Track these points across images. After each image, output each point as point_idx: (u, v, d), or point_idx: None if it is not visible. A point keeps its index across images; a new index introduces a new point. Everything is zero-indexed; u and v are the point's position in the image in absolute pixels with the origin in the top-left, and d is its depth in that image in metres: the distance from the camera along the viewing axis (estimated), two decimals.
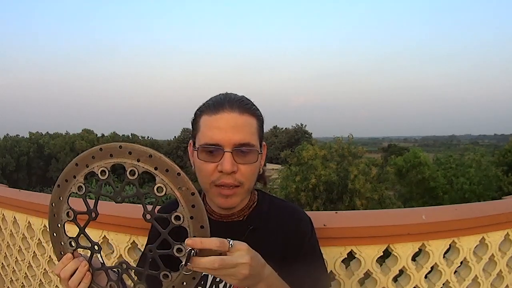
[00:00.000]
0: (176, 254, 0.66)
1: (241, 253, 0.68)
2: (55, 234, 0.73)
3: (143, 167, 0.65)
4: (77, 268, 0.72)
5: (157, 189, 0.65)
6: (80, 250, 0.75)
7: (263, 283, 0.76)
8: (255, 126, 0.86)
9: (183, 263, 0.65)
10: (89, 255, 0.74)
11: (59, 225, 0.72)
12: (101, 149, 0.67)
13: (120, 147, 0.66)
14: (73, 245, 0.73)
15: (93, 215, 0.70)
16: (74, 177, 0.69)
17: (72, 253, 0.73)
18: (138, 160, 0.65)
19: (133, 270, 0.72)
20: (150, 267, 0.69)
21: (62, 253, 0.74)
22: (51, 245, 1.84)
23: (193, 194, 0.65)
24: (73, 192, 0.71)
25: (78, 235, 0.73)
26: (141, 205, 0.68)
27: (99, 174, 0.67)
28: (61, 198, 0.71)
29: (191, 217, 0.66)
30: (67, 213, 0.71)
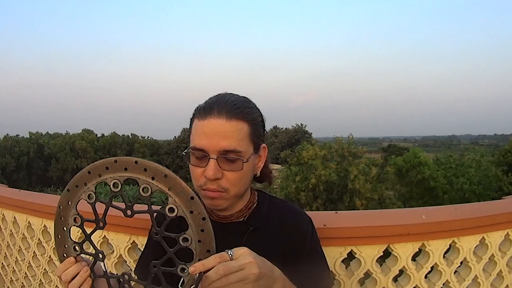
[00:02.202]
0: (180, 274, 0.66)
1: (243, 256, 0.69)
2: (59, 236, 0.74)
3: (156, 186, 0.65)
4: (78, 273, 0.72)
5: (168, 209, 0.65)
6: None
7: (278, 284, 0.76)
8: (245, 131, 0.83)
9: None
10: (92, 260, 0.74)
11: (64, 229, 0.73)
12: (116, 161, 0.67)
13: (136, 162, 0.66)
14: (77, 249, 0.73)
15: (101, 224, 0.70)
16: (85, 184, 0.69)
17: (75, 257, 0.73)
18: (153, 178, 0.65)
19: (135, 282, 0.72)
20: (152, 281, 0.69)
21: (65, 255, 0.74)
22: (51, 245, 1.84)
23: (204, 219, 0.66)
24: (83, 199, 0.71)
25: (83, 241, 0.73)
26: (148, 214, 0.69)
27: (111, 186, 0.67)
28: (69, 203, 0.71)
29: (199, 241, 0.66)
30: (74, 218, 0.71)
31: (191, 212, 0.65)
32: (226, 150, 0.80)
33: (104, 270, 0.75)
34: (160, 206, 0.67)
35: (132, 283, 0.72)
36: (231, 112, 0.82)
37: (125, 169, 0.66)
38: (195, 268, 0.65)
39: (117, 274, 0.74)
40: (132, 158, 0.66)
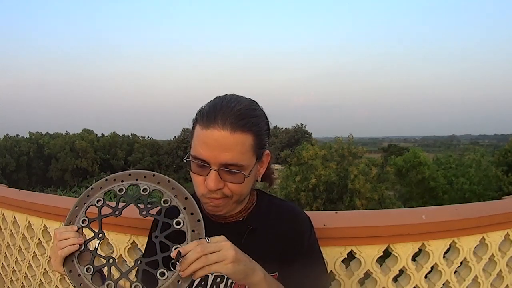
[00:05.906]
0: (158, 277, 0.70)
1: (219, 240, 0.72)
2: (76, 207, 0.83)
3: (176, 203, 0.77)
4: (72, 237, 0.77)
5: (175, 222, 0.75)
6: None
7: (257, 274, 0.76)
8: (248, 143, 0.81)
9: (173, 266, 0.69)
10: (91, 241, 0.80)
11: (85, 203, 0.82)
12: (154, 175, 0.81)
13: (169, 181, 0.79)
14: (84, 224, 0.80)
15: (116, 213, 0.80)
16: (122, 181, 0.82)
17: (78, 229, 0.79)
18: (176, 196, 0.77)
19: (114, 268, 0.77)
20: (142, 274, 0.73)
21: (71, 223, 0.82)
22: (51, 245, 1.84)
23: (200, 239, 0.74)
24: (113, 191, 0.81)
25: (94, 220, 0.81)
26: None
27: (141, 191, 0.79)
28: (101, 188, 0.83)
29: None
30: (98, 201, 0.81)
31: (193, 231, 0.74)
32: (228, 163, 0.80)
33: (96, 247, 0.80)
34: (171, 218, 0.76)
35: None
36: (235, 124, 0.79)
37: (158, 182, 0.79)
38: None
39: (105, 255, 0.79)
40: (166, 177, 0.80)
